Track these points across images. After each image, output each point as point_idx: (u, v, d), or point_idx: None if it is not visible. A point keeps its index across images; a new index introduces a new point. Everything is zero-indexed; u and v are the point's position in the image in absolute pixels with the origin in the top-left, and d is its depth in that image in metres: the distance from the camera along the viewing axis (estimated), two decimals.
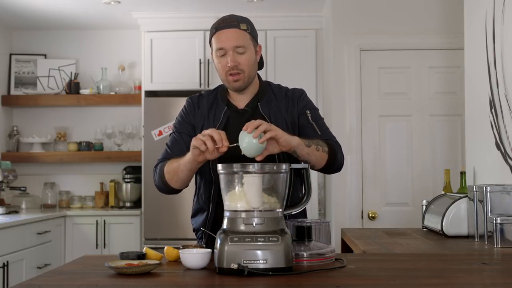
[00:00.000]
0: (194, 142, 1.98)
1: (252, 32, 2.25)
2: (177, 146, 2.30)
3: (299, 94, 2.37)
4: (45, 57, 5.61)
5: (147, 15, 5.11)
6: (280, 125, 2.25)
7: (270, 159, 2.16)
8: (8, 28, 5.54)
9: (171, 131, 2.38)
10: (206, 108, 2.32)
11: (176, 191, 2.28)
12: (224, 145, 1.94)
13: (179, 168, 2.15)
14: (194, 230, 2.40)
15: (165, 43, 5.13)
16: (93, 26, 5.51)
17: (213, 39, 2.24)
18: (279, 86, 2.41)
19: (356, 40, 4.44)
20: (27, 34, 5.63)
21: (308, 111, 2.33)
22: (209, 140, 1.94)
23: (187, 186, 2.28)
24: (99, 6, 4.89)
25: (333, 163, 2.26)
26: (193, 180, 2.35)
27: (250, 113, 2.29)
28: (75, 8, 4.96)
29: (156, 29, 5.13)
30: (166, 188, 2.26)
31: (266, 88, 2.35)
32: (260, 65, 2.37)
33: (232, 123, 2.27)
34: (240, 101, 2.31)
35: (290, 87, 2.43)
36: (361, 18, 4.46)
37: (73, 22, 5.35)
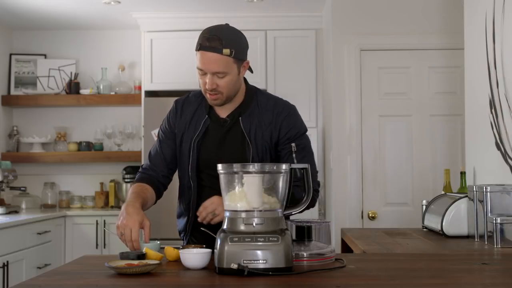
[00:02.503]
0: (117, 226, 2.15)
1: (237, 54, 2.15)
2: (156, 158, 2.37)
3: (285, 115, 2.27)
4: (45, 57, 5.61)
5: (147, 15, 5.11)
6: (260, 142, 2.24)
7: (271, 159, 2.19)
8: (8, 28, 5.54)
9: (159, 132, 2.43)
10: (189, 115, 2.33)
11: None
12: (134, 246, 2.04)
13: (127, 200, 2.23)
14: (179, 232, 2.44)
15: (165, 43, 5.13)
16: (93, 26, 5.51)
17: (196, 54, 2.20)
18: (267, 96, 2.33)
19: (356, 40, 4.44)
20: (27, 34, 5.63)
21: (293, 144, 2.21)
22: (128, 234, 2.09)
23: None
24: (99, 6, 4.89)
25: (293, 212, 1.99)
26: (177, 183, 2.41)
27: (230, 124, 2.28)
28: (75, 8, 4.96)
29: (156, 29, 5.14)
30: None
31: (251, 99, 2.29)
32: (250, 70, 2.30)
33: (211, 133, 2.29)
34: (222, 110, 2.30)
35: (289, 92, 2.39)
36: (361, 18, 4.46)
37: (73, 22, 5.35)
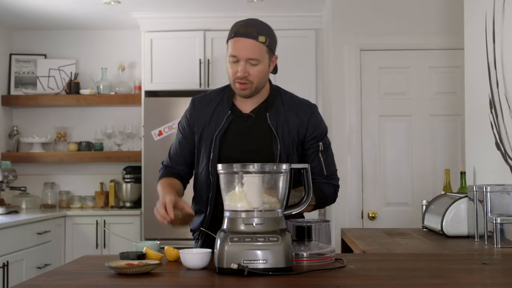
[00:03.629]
0: (156, 211, 2.09)
1: (270, 44, 2.20)
2: (176, 158, 2.39)
3: (310, 113, 2.33)
4: (45, 57, 5.61)
5: (147, 15, 5.11)
6: (287, 138, 2.26)
7: (270, 160, 2.19)
8: (8, 28, 5.54)
9: (178, 129, 2.42)
10: (209, 111, 2.30)
11: None
12: (170, 217, 2.04)
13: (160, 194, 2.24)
14: (191, 231, 2.41)
15: (165, 43, 5.13)
16: (93, 26, 5.51)
17: (229, 43, 2.20)
18: (289, 95, 2.37)
19: (356, 40, 4.44)
20: (27, 34, 5.63)
21: (320, 144, 2.30)
22: (162, 209, 2.06)
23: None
24: (99, 6, 4.89)
25: (318, 208, 2.32)
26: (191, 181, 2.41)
27: (255, 119, 2.27)
28: (75, 8, 4.96)
29: (156, 29, 5.13)
30: None
31: (276, 96, 2.31)
32: (274, 71, 2.33)
33: (234, 129, 2.27)
34: (246, 105, 2.29)
35: (300, 96, 2.40)
36: (361, 18, 4.46)
37: (73, 22, 5.35)
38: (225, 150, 2.26)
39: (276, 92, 2.33)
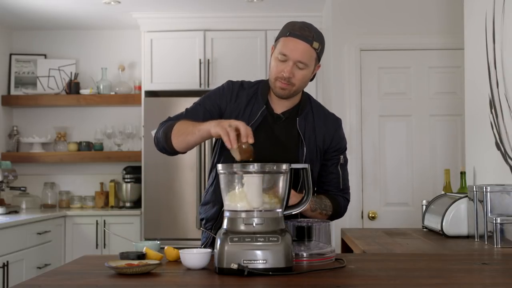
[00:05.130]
0: (219, 129, 1.93)
1: (320, 52, 2.20)
2: (194, 115, 2.24)
3: (337, 126, 2.36)
4: (45, 57, 5.61)
5: (147, 15, 5.11)
6: (312, 145, 2.26)
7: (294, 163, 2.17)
8: (8, 28, 5.54)
9: (196, 101, 2.32)
10: (244, 101, 2.26)
11: (173, 151, 2.22)
12: (248, 141, 1.91)
13: (192, 131, 2.10)
14: (202, 220, 2.35)
15: (165, 43, 5.13)
16: (93, 26, 5.51)
17: (281, 40, 2.18)
18: (318, 104, 2.38)
19: (356, 40, 4.44)
20: (27, 34, 5.63)
21: (341, 157, 2.34)
22: (233, 132, 1.90)
23: (185, 152, 2.25)
24: (99, 6, 4.89)
25: (330, 219, 2.32)
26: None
27: (285, 122, 2.26)
28: (75, 8, 4.96)
29: (156, 29, 5.13)
30: (166, 146, 2.21)
31: (307, 102, 2.31)
32: (312, 78, 2.31)
33: (264, 125, 2.25)
34: (278, 105, 2.28)
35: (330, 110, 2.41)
36: (361, 18, 4.46)
37: (73, 22, 5.35)
38: (255, 144, 2.18)
39: (307, 99, 2.33)
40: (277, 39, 2.22)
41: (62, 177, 5.57)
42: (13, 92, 5.52)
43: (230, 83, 2.32)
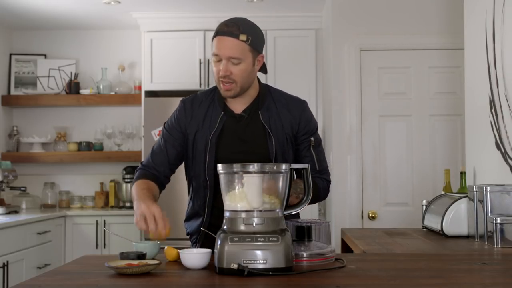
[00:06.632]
0: (136, 221, 1.99)
1: (253, 43, 2.17)
2: (160, 157, 2.31)
3: (301, 109, 2.32)
4: (45, 57, 5.61)
5: (147, 15, 5.11)
6: (280, 134, 2.26)
7: (266, 158, 2.18)
8: (8, 28, 5.54)
9: (160, 134, 2.37)
10: (202, 113, 2.28)
11: None
12: (166, 231, 1.95)
13: (137, 201, 2.12)
14: (188, 234, 2.39)
15: (165, 43, 5.13)
16: (93, 26, 5.52)
17: (213, 42, 2.20)
18: (279, 92, 2.36)
19: (356, 40, 4.44)
20: (27, 34, 5.63)
21: (312, 139, 2.31)
22: (152, 221, 1.95)
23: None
24: (99, 6, 4.89)
25: (312, 203, 2.22)
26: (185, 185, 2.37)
27: (248, 119, 2.27)
28: (75, 8, 4.96)
29: (156, 29, 5.14)
30: None
31: (266, 93, 2.31)
32: (264, 70, 2.32)
33: (228, 129, 2.25)
34: (237, 105, 2.28)
35: (290, 92, 2.39)
36: (361, 18, 4.46)
37: (73, 22, 5.35)
38: (220, 151, 2.24)
39: (266, 90, 2.32)
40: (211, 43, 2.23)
41: (62, 177, 5.57)
42: (13, 92, 5.52)
43: (181, 104, 2.35)
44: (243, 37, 2.15)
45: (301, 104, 2.34)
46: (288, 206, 1.91)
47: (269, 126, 2.24)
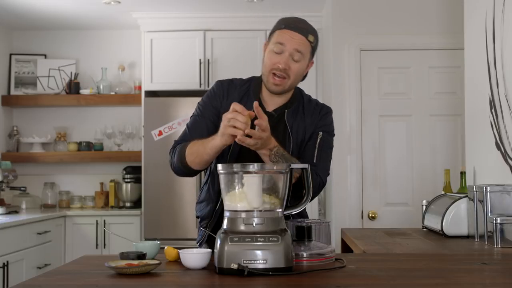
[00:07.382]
0: (226, 138, 1.96)
1: (314, 47, 2.22)
2: (198, 129, 2.25)
3: (324, 113, 2.32)
4: (45, 57, 5.61)
5: (147, 15, 5.11)
6: (300, 137, 2.25)
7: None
8: (8, 28, 5.54)
9: (193, 113, 2.32)
10: (236, 99, 2.23)
11: (195, 172, 2.24)
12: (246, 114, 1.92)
13: (204, 150, 2.10)
14: (198, 217, 2.36)
15: (165, 43, 5.13)
16: (93, 26, 5.51)
17: (276, 33, 2.18)
18: (309, 98, 2.36)
19: (356, 40, 4.44)
20: (27, 34, 5.63)
21: (320, 133, 2.28)
22: (233, 128, 1.93)
23: (207, 168, 2.26)
24: (99, 6, 4.89)
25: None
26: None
27: (276, 119, 2.25)
28: (75, 8, 4.96)
29: (156, 29, 5.14)
30: (186, 170, 2.22)
31: (297, 97, 2.31)
32: (303, 77, 2.32)
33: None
34: (271, 103, 2.27)
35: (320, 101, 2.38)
36: (361, 18, 4.46)
37: (73, 22, 5.35)
38: None
39: (298, 93, 2.32)
40: (271, 34, 2.22)
41: (62, 177, 5.57)
42: (13, 92, 5.52)
43: (219, 83, 2.32)
44: (311, 37, 2.19)
45: (326, 109, 2.34)
46: (288, 206, 1.90)
47: (291, 127, 2.24)
